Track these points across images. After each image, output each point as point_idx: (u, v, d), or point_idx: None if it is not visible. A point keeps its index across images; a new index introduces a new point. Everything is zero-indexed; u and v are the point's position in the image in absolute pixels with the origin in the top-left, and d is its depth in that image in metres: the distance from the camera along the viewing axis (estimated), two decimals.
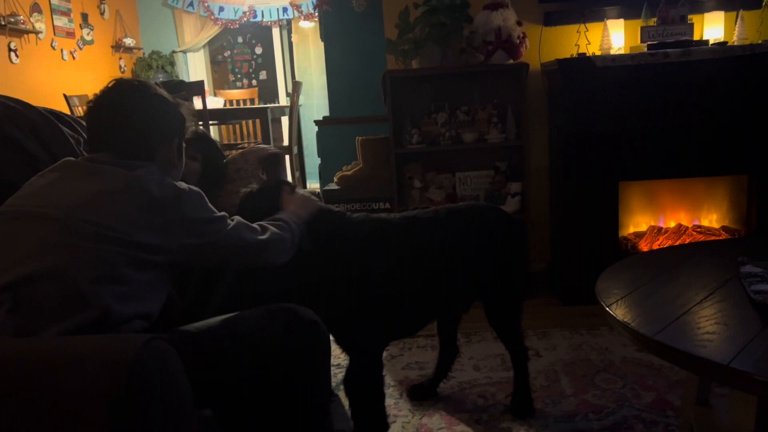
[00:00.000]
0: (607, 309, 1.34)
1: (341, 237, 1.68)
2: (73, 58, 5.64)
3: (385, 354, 2.48)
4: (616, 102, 2.83)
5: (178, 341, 1.11)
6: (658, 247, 2.95)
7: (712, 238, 2.94)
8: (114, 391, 0.81)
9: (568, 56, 2.97)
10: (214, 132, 6.05)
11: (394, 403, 2.10)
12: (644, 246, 3.01)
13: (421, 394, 2.13)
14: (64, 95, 4.58)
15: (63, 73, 5.45)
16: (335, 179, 3.33)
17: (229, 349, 1.18)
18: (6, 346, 0.90)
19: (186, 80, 5.37)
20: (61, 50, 5.44)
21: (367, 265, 1.66)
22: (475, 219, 1.86)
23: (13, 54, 4.78)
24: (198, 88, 4.25)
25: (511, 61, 2.99)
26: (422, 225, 1.78)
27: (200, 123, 4.32)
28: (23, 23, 4.82)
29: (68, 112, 2.86)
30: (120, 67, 6.45)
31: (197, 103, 4.30)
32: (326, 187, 3.39)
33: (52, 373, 0.85)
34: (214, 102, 5.66)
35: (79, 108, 4.49)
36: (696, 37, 2.89)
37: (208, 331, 1.20)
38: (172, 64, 6.84)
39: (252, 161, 2.21)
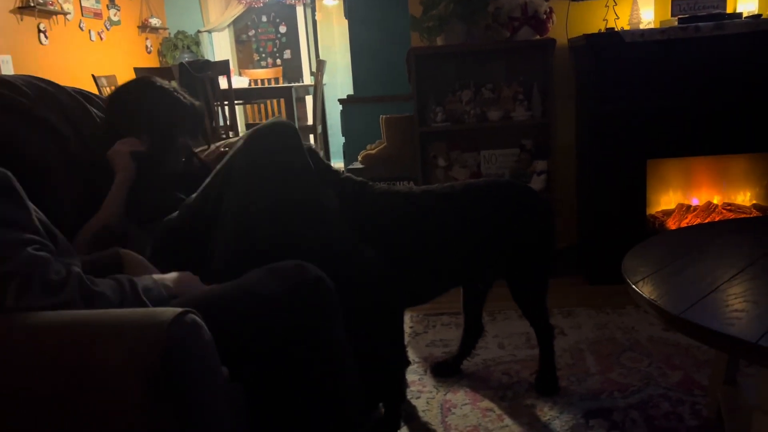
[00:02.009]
0: (634, 287, 1.33)
1: (364, 204, 1.76)
2: (101, 38, 5.70)
3: (409, 331, 2.50)
4: (644, 78, 2.78)
5: (192, 302, 1.14)
6: (686, 225, 2.91)
7: (743, 215, 2.89)
8: (149, 364, 0.84)
9: (596, 31, 2.91)
10: (239, 111, 6.08)
11: (419, 379, 2.12)
12: (672, 224, 2.97)
13: (444, 371, 2.15)
14: (93, 76, 4.64)
15: (91, 54, 5.51)
16: (359, 158, 3.34)
17: (239, 307, 1.20)
18: (41, 318, 0.93)
19: (211, 60, 5.40)
20: (89, 31, 5.50)
21: (386, 232, 1.74)
22: (492, 193, 1.87)
23: (42, 35, 4.86)
24: (223, 67, 4.27)
25: (538, 37, 2.95)
26: (437, 197, 1.83)
27: (225, 103, 4.35)
28: (52, 4, 4.88)
29: (96, 93, 2.90)
30: (146, 47, 6.50)
31: (222, 82, 4.32)
32: (350, 166, 3.40)
33: (89, 345, 0.88)
34: (239, 81, 5.69)
35: (107, 88, 4.55)
36: (729, 10, 2.82)
37: (219, 292, 1.23)
38: (198, 43, 6.88)
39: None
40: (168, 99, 1.85)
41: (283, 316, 1.22)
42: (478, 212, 1.82)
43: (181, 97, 1.88)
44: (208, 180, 1.63)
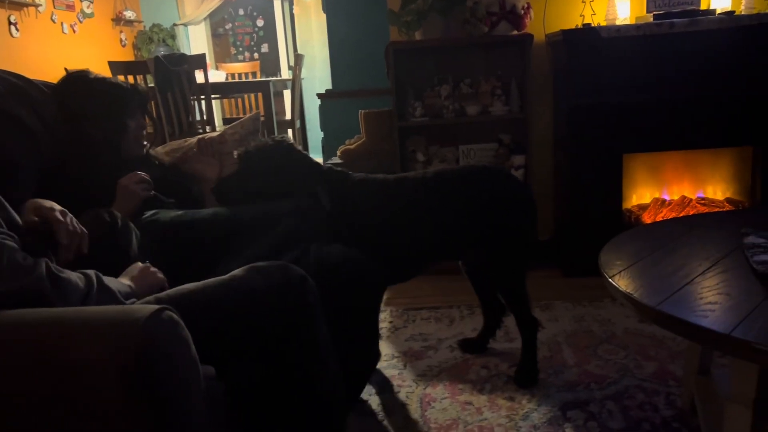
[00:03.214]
0: (610, 280, 1.34)
1: (348, 192, 1.89)
2: (74, 31, 5.59)
3: (388, 326, 2.51)
4: (621, 74, 2.81)
5: (176, 300, 1.13)
6: (661, 219, 2.95)
7: (716, 209, 2.94)
8: (126, 361, 0.83)
9: (573, 27, 2.94)
10: (216, 106, 6.02)
11: (398, 373, 2.13)
12: (648, 218, 3.01)
13: (471, 348, 2.25)
14: (65, 69, 4.55)
15: (64, 47, 5.41)
16: (338, 153, 3.33)
17: (224, 305, 1.20)
18: (17, 316, 0.92)
19: (187, 53, 5.33)
20: (62, 23, 5.39)
21: (366, 215, 1.87)
22: (463, 178, 1.93)
23: (13, 27, 4.75)
24: (200, 61, 4.22)
25: (515, 33, 2.96)
26: (410, 183, 1.93)
27: (202, 97, 4.30)
28: None
29: None
30: (121, 40, 6.40)
31: (199, 76, 4.27)
32: (329, 161, 3.38)
33: (65, 343, 0.86)
34: (216, 75, 5.62)
35: None
36: (703, 6, 2.86)
37: (204, 290, 1.22)
38: (173, 37, 6.78)
39: (247, 125, 2.25)
40: (108, 87, 1.88)
41: (268, 315, 1.22)
42: (448, 196, 1.89)
43: (119, 82, 1.92)
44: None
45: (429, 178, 1.94)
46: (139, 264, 1.38)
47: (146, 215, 1.75)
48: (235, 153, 1.98)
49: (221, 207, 1.84)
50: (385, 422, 1.84)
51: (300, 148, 2.00)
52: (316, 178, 1.90)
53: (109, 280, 1.20)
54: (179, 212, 1.78)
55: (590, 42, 2.76)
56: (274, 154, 1.90)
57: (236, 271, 1.29)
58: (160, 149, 2.24)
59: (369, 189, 1.92)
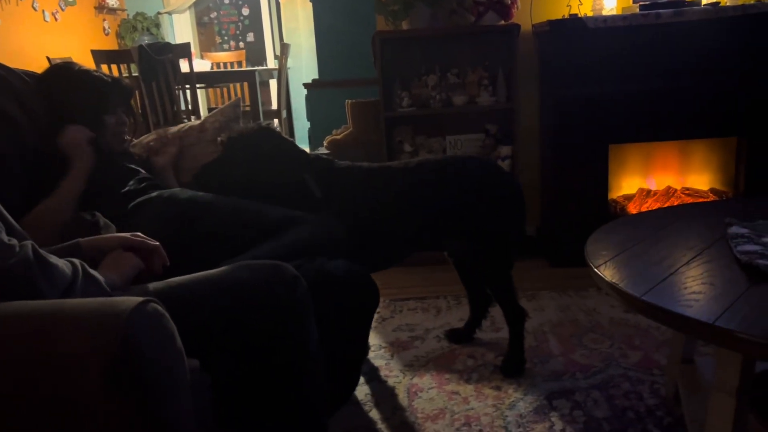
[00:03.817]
0: (596, 270, 1.35)
1: (334, 180, 1.89)
2: (55, 19, 5.50)
3: (375, 317, 2.51)
4: (607, 64, 2.81)
5: (164, 293, 1.12)
6: (646, 209, 2.97)
7: (701, 200, 2.96)
8: (109, 354, 0.82)
9: (560, 17, 2.93)
10: (201, 95, 5.97)
11: (386, 364, 2.13)
12: (633, 208, 3.03)
13: (458, 338, 2.26)
14: (48, 58, 4.48)
15: (45, 36, 5.32)
16: (325, 143, 3.31)
17: (214, 300, 1.19)
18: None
19: (172, 42, 5.27)
20: (43, 11, 5.31)
21: (351, 202, 1.86)
22: (445, 167, 1.92)
23: None
24: (184, 50, 4.17)
25: (503, 22, 2.96)
26: (395, 171, 1.93)
27: (187, 86, 4.26)
28: None
29: None
30: (104, 29, 6.31)
31: (184, 65, 4.23)
32: (316, 152, 3.37)
33: (48, 335, 0.85)
34: (201, 65, 5.57)
35: None
36: None
37: (191, 282, 1.21)
38: (158, 25, 6.70)
39: (227, 113, 2.23)
40: (88, 81, 1.85)
41: (255, 312, 1.21)
42: (432, 184, 1.89)
43: (102, 76, 1.89)
44: None
45: (413, 167, 1.93)
46: (110, 253, 1.35)
47: (161, 193, 1.74)
48: (219, 139, 1.96)
49: (241, 197, 1.79)
50: (373, 412, 1.84)
51: (286, 136, 1.98)
52: (302, 166, 1.88)
53: (94, 272, 1.18)
54: (198, 193, 1.76)
55: (577, 32, 2.76)
56: (259, 140, 1.87)
57: (226, 267, 1.27)
58: (142, 139, 2.22)
59: (354, 176, 1.92)
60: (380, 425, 1.77)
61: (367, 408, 1.87)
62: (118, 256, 1.33)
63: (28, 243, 1.04)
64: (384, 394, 1.94)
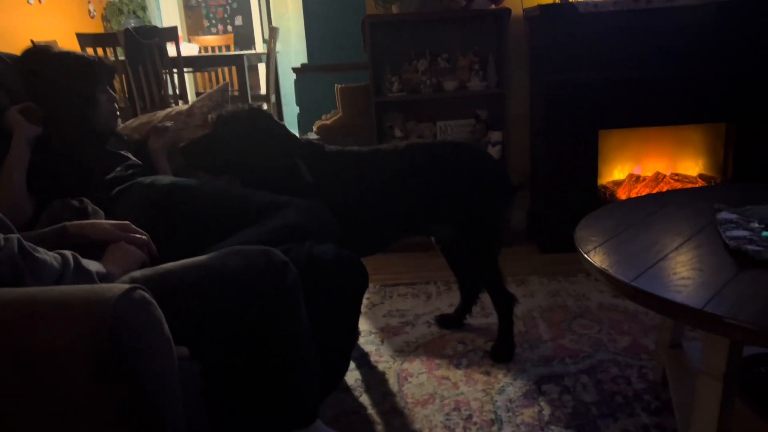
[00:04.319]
0: (586, 256, 1.35)
1: (324, 164, 1.88)
2: (40, 2, 5.41)
3: (366, 302, 2.51)
4: (597, 49, 2.80)
5: (151, 280, 1.11)
6: (636, 195, 2.98)
7: (689, 185, 2.98)
8: (96, 342, 0.81)
9: (551, 1, 2.92)
10: (188, 79, 5.91)
11: (376, 349, 2.13)
12: (622, 194, 3.04)
13: (448, 323, 2.27)
14: (32, 41, 4.41)
15: (29, 18, 5.23)
16: (314, 128, 3.29)
17: (203, 286, 1.18)
18: None
19: (159, 26, 5.20)
20: None
21: (341, 186, 1.86)
22: (431, 152, 1.92)
23: None
24: (171, 33, 4.11)
25: (493, 6, 2.93)
26: (384, 155, 1.92)
27: (174, 70, 4.21)
28: None
29: None
30: (89, 11, 6.21)
31: (171, 49, 4.17)
32: (305, 137, 3.34)
33: (33, 324, 0.84)
34: (189, 48, 5.50)
35: None
36: None
37: (179, 269, 1.20)
38: (144, 8, 6.60)
39: (215, 97, 2.21)
40: (76, 61, 1.83)
41: (245, 299, 1.20)
42: (420, 169, 1.89)
43: (85, 55, 1.87)
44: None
45: (402, 150, 1.92)
46: (113, 245, 1.35)
47: (142, 179, 1.72)
48: (209, 116, 1.94)
49: (222, 182, 1.79)
50: (363, 397, 1.85)
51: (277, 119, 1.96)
52: (293, 150, 1.87)
53: (87, 262, 1.17)
54: (179, 178, 1.75)
55: (568, 17, 2.75)
56: (250, 121, 1.86)
57: (215, 253, 1.26)
58: (129, 123, 2.19)
59: (344, 161, 1.91)
60: (370, 410, 1.78)
61: (357, 393, 1.87)
62: (122, 250, 1.32)
63: (14, 237, 1.02)
64: (374, 379, 1.95)
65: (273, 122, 1.91)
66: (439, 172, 1.88)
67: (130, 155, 1.90)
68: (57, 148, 1.76)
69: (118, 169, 1.80)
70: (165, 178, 1.74)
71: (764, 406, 1.41)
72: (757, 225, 1.38)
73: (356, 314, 1.78)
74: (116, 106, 1.92)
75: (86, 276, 1.13)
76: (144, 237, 1.39)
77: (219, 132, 1.85)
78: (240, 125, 1.84)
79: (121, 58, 4.10)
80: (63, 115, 1.80)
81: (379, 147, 2.00)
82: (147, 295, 0.91)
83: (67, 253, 1.12)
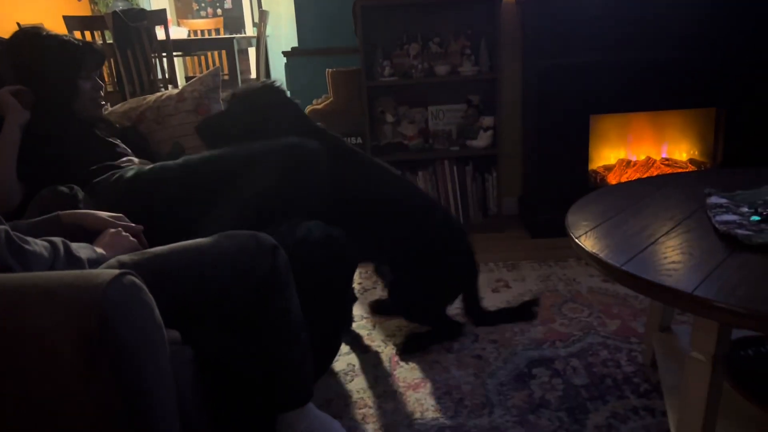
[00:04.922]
0: (577, 241, 1.36)
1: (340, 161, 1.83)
2: None
3: (358, 287, 2.52)
4: (589, 34, 2.80)
5: (141, 265, 1.11)
6: (626, 179, 2.99)
7: (680, 170, 2.99)
8: (86, 328, 0.80)
9: None
10: (178, 63, 5.84)
11: (368, 334, 2.14)
12: (613, 179, 3.05)
13: (381, 309, 2.28)
14: (18, 24, 4.34)
15: (15, 1, 5.15)
16: (306, 113, 3.27)
17: (193, 271, 1.18)
18: None
19: (147, 9, 5.12)
20: None
21: (353, 188, 1.86)
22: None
23: None
24: (160, 17, 4.06)
25: None
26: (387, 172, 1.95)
27: (163, 54, 4.17)
28: None
29: None
30: None
31: (160, 33, 4.12)
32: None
33: (21, 310, 0.83)
34: (178, 32, 5.43)
35: None
36: None
37: (169, 253, 1.20)
38: None
39: (206, 81, 2.19)
40: (60, 45, 1.80)
41: (235, 282, 1.20)
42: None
43: (73, 40, 1.84)
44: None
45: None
46: (110, 230, 1.34)
47: (106, 176, 1.70)
48: (223, 95, 1.91)
49: (190, 156, 1.72)
50: (355, 381, 1.86)
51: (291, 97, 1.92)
52: (307, 130, 1.82)
53: (77, 247, 1.16)
54: (144, 168, 1.71)
55: (560, 1, 2.74)
56: (263, 98, 1.82)
57: (204, 238, 1.26)
58: (117, 108, 2.17)
59: (358, 161, 1.89)
60: (362, 394, 1.79)
61: (349, 377, 1.88)
62: (116, 236, 1.31)
63: (1, 229, 1.01)
64: (366, 363, 1.95)
65: (286, 100, 1.88)
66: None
67: (118, 141, 1.88)
68: (43, 134, 1.74)
69: (105, 163, 1.77)
70: (126, 172, 1.70)
71: (752, 388, 1.43)
72: (746, 209, 1.39)
73: (346, 295, 1.78)
74: (101, 93, 1.89)
75: (77, 263, 1.12)
76: (139, 227, 1.39)
77: (232, 109, 1.82)
78: (253, 102, 1.81)
79: (109, 41, 4.04)
80: (47, 101, 1.77)
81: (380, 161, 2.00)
82: (137, 280, 0.91)
83: (57, 240, 1.11)
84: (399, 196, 1.94)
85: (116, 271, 0.87)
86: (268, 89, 1.85)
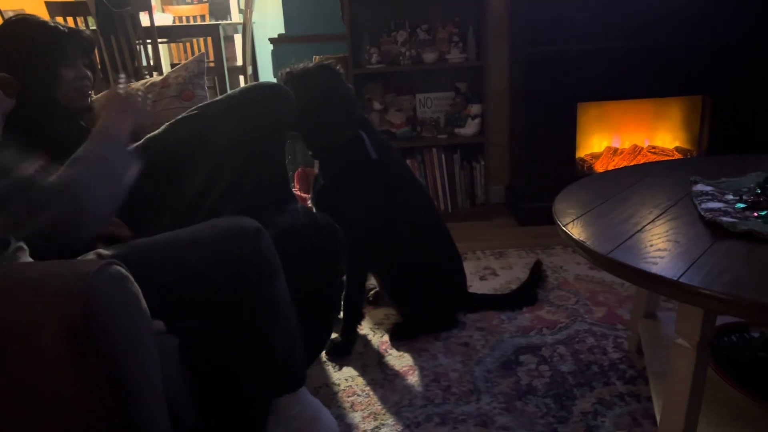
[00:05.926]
0: (564, 228, 1.36)
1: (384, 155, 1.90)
2: None
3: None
4: (576, 22, 2.79)
5: (126, 255, 1.10)
6: (613, 167, 3.00)
7: (666, 158, 3.01)
8: (71, 318, 0.80)
9: None
10: (163, 50, 5.78)
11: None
12: (600, 167, 3.06)
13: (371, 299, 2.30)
14: None
15: None
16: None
17: (177, 259, 1.18)
18: None
19: None
20: None
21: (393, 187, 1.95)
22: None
23: None
24: (144, 3, 4.00)
25: None
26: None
27: (148, 41, 4.12)
28: None
29: None
30: None
31: (144, 19, 4.07)
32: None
33: (7, 299, 0.82)
34: (162, 18, 5.37)
35: None
36: None
37: (153, 244, 1.19)
38: None
39: (191, 67, 2.16)
40: (41, 33, 1.76)
41: (221, 268, 1.20)
42: None
43: (59, 26, 1.79)
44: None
45: None
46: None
47: None
48: (278, 73, 1.89)
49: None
50: (344, 369, 1.86)
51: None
52: (359, 119, 1.84)
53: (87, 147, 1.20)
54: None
55: None
56: (317, 78, 1.82)
57: (189, 227, 1.26)
58: (101, 96, 2.13)
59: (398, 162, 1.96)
60: (351, 382, 1.79)
61: (337, 366, 1.88)
62: (120, 98, 1.37)
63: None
64: (355, 351, 1.96)
65: (341, 84, 1.86)
66: None
67: None
68: (25, 124, 1.71)
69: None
70: None
71: (736, 373, 1.45)
72: (731, 197, 1.40)
73: (335, 281, 1.77)
74: (87, 83, 1.85)
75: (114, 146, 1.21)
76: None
77: (287, 88, 1.79)
78: (307, 82, 1.80)
79: (93, 27, 3.98)
80: (30, 89, 1.74)
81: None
82: (123, 270, 0.90)
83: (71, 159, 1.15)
84: (419, 214, 1.99)
85: (101, 262, 0.87)
86: (325, 69, 1.84)
